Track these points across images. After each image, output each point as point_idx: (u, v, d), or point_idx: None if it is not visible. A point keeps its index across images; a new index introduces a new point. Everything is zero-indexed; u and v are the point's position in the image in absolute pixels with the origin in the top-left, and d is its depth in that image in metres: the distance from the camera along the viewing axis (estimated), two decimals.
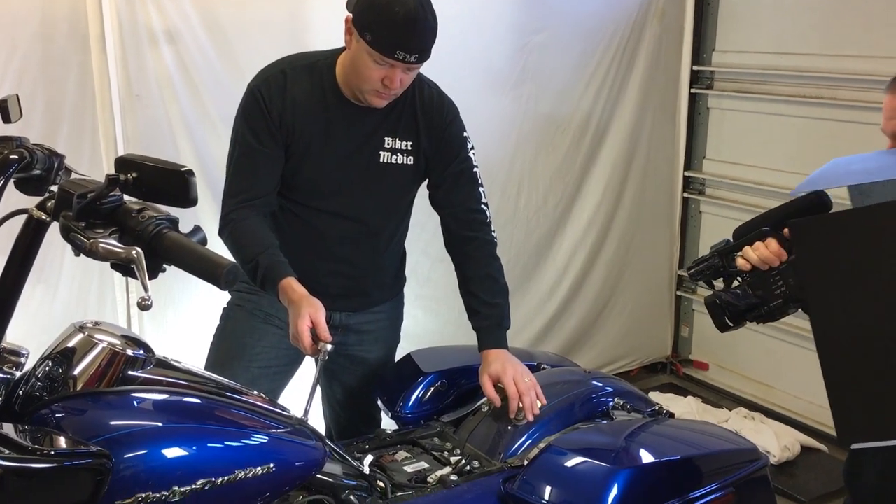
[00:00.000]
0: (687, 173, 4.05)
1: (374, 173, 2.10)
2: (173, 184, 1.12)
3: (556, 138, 3.70)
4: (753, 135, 3.78)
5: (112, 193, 1.12)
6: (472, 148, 2.18)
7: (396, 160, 2.11)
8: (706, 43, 3.91)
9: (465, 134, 2.17)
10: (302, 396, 1.78)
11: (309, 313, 1.84)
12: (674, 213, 4.11)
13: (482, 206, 2.18)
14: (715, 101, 3.94)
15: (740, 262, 1.70)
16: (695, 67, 3.92)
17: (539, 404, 1.96)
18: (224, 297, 2.31)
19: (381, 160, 2.09)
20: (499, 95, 3.51)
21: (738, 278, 1.74)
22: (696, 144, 4.04)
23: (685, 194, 4.09)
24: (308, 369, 2.34)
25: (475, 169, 2.18)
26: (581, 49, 3.65)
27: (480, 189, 2.18)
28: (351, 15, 1.94)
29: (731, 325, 1.75)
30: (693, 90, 3.95)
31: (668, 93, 3.94)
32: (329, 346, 1.82)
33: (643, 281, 4.10)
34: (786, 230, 1.64)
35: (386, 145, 2.09)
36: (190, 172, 1.11)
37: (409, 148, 2.11)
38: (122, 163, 1.15)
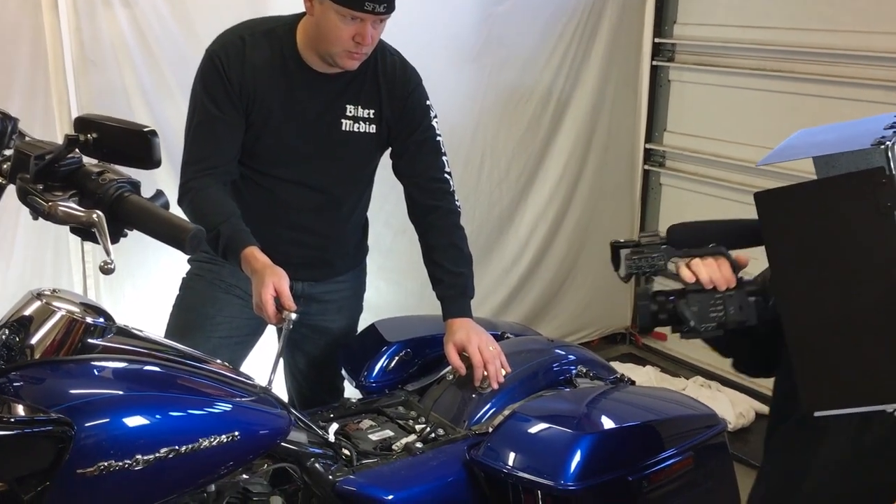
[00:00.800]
0: (648, 146, 4.08)
1: (336, 142, 2.08)
2: (135, 145, 1.09)
3: (519, 109, 3.70)
4: (714, 108, 3.81)
5: (71, 155, 1.09)
6: (436, 116, 2.17)
7: (359, 128, 2.09)
8: (668, 15, 3.92)
9: (427, 102, 2.15)
10: (263, 367, 1.77)
11: (273, 282, 1.82)
12: (634, 186, 4.14)
13: (445, 175, 2.17)
14: (676, 73, 3.97)
15: (686, 272, 1.57)
16: (656, 40, 3.93)
17: (504, 372, 1.97)
18: (183, 269, 2.27)
19: (344, 128, 2.07)
20: (462, 66, 3.49)
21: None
22: (657, 117, 4.07)
23: (646, 167, 4.12)
24: (269, 340, 2.33)
25: (438, 138, 2.16)
26: (544, 20, 3.64)
27: (443, 158, 2.18)
28: None
29: (650, 327, 1.65)
30: (654, 62, 3.97)
31: (630, 65, 3.95)
32: (293, 316, 1.81)
33: (604, 252, 4.10)
34: (739, 256, 1.58)
35: (348, 113, 2.07)
36: (153, 133, 1.08)
37: (372, 116, 2.09)
38: (82, 123, 1.11)
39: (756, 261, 1.52)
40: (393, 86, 2.09)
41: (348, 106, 2.07)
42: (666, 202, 4.14)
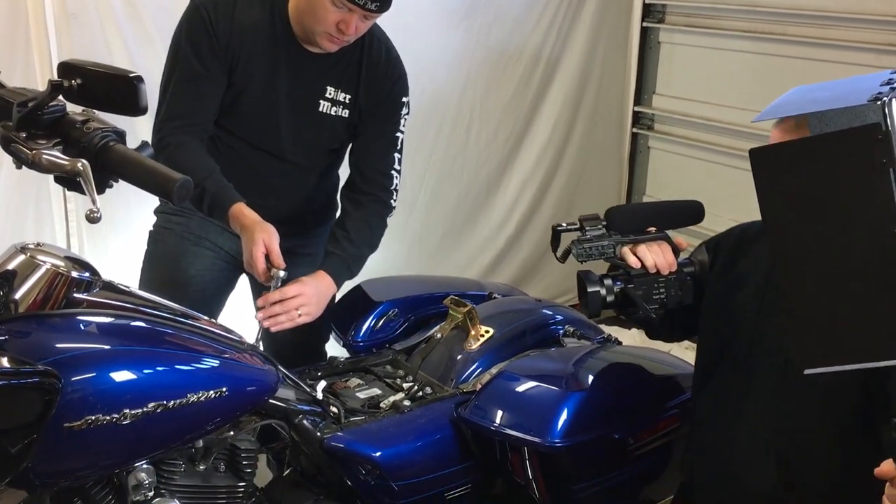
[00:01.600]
0: (636, 108, 4.05)
1: (311, 121, 2.06)
2: (121, 91, 1.06)
3: (508, 70, 3.66)
4: (704, 70, 3.79)
5: (54, 103, 1.06)
6: (407, 113, 2.14)
7: (335, 111, 2.06)
8: None
9: (404, 98, 2.12)
10: (240, 326, 1.75)
11: (262, 239, 1.81)
12: (623, 149, 4.13)
13: (393, 171, 2.13)
14: (666, 35, 3.93)
15: (632, 259, 1.68)
16: (647, 0, 3.89)
17: (278, 322, 1.86)
18: None
19: (321, 109, 2.05)
20: (450, 25, 3.44)
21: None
22: (647, 79, 4.03)
23: (634, 129, 4.10)
24: (241, 294, 2.31)
25: (399, 134, 2.12)
26: None
27: (396, 155, 2.13)
28: None
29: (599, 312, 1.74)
30: (644, 24, 3.93)
31: (620, 26, 3.91)
32: (282, 273, 1.81)
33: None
34: (679, 240, 1.71)
35: (327, 95, 2.04)
36: (139, 78, 1.05)
37: (348, 101, 2.06)
38: (66, 68, 1.09)
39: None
40: (375, 76, 2.06)
41: (329, 87, 2.03)
42: (654, 165, 4.12)
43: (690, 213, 1.79)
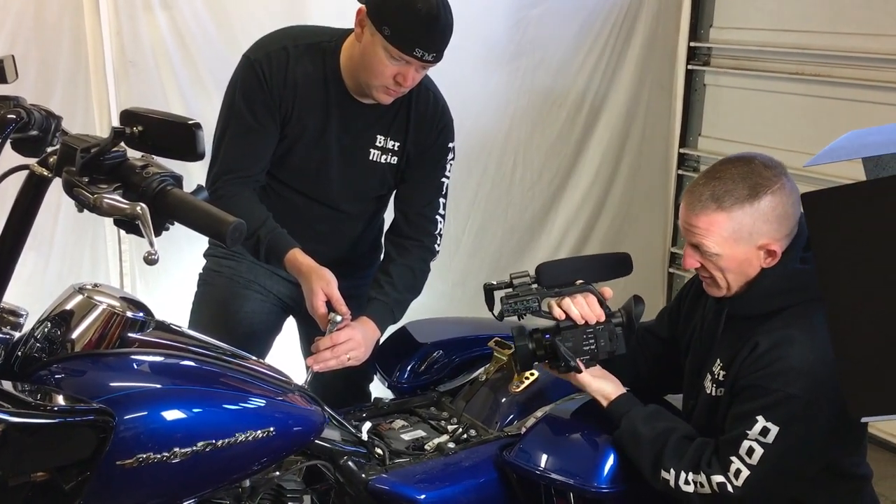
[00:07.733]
0: (682, 150, 4.04)
1: (361, 170, 2.08)
2: (180, 137, 1.10)
3: (552, 113, 3.69)
4: (750, 112, 3.77)
5: (116, 149, 1.10)
6: (453, 159, 2.16)
7: (384, 159, 2.09)
8: (704, 19, 3.88)
9: (450, 145, 2.14)
10: (284, 366, 1.77)
11: (321, 288, 1.84)
12: (668, 190, 4.11)
13: (437, 216, 2.14)
14: (712, 77, 3.93)
15: (558, 311, 1.71)
16: (692, 44, 3.89)
17: (329, 364, 1.85)
18: None
19: (371, 158, 2.07)
20: (495, 69, 3.48)
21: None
22: (692, 121, 4.03)
23: (680, 171, 4.08)
24: (288, 337, 2.33)
25: (444, 180, 2.15)
26: (578, 24, 3.62)
27: (441, 200, 2.15)
28: (364, 7, 1.87)
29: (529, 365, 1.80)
30: (690, 67, 3.93)
31: (665, 69, 3.92)
32: (338, 318, 1.82)
33: (636, 257, 3.97)
34: (603, 289, 1.75)
35: (377, 143, 2.06)
36: (197, 125, 1.09)
37: (396, 148, 2.09)
38: (128, 116, 1.13)
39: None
40: (422, 124, 2.08)
41: (378, 136, 2.06)
42: None
43: (619, 265, 1.83)
